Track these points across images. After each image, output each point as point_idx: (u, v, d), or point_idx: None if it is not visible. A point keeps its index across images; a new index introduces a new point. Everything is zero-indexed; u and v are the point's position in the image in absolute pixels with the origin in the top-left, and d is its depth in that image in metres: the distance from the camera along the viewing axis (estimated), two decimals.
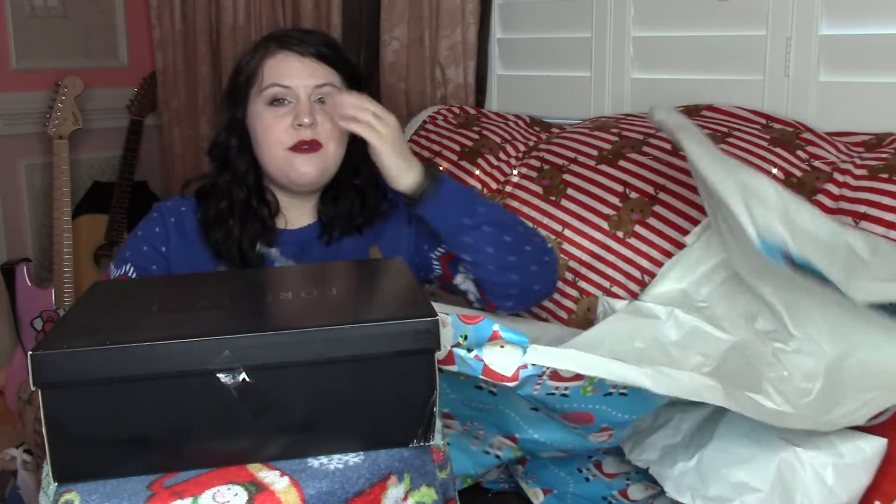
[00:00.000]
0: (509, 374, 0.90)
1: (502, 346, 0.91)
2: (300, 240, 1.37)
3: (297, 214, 1.39)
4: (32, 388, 0.74)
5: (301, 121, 1.28)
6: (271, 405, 0.78)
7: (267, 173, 1.35)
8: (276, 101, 1.30)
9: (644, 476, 1.21)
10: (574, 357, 0.92)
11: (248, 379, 0.77)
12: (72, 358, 0.74)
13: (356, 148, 1.35)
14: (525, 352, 0.90)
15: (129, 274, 1.33)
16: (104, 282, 0.98)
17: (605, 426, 1.07)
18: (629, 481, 1.25)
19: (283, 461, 0.78)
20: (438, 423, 0.84)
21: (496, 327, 0.90)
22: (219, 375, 0.77)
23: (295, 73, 1.31)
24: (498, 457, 1.19)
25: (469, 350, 0.89)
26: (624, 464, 1.22)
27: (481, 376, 0.91)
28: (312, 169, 1.30)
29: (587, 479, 1.27)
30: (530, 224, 1.32)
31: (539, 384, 0.94)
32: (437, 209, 1.25)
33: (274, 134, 1.30)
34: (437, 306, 0.84)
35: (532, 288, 1.31)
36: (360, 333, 0.79)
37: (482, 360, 0.90)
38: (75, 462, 0.76)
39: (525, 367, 0.90)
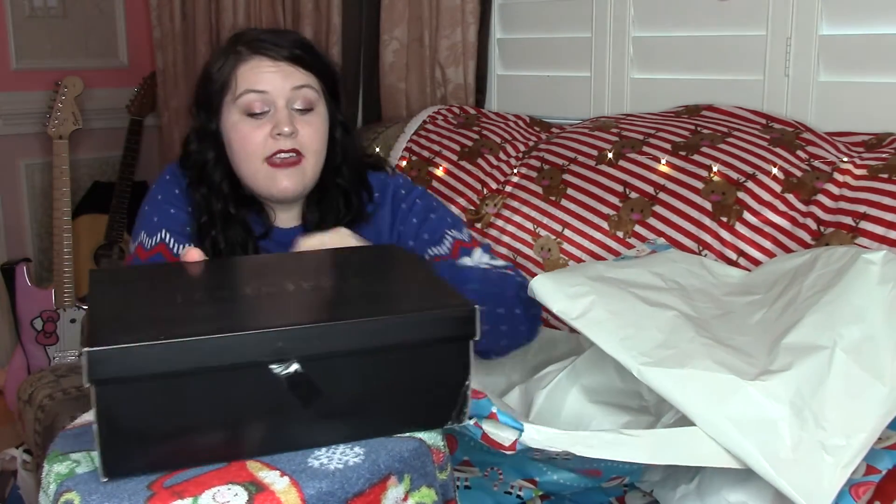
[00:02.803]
0: (507, 444, 0.92)
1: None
2: (287, 240, 1.32)
3: (283, 217, 1.35)
4: (85, 385, 0.73)
5: (281, 130, 1.23)
6: (319, 393, 0.80)
7: (245, 185, 1.30)
8: (253, 114, 1.25)
9: None
10: (571, 438, 0.92)
11: (299, 369, 0.78)
12: (129, 354, 0.74)
13: (335, 150, 1.33)
14: (521, 434, 0.92)
15: (166, 240, 1.27)
16: (100, 272, 0.97)
17: (615, 476, 1.10)
18: None
19: (283, 462, 0.78)
20: (467, 407, 0.87)
21: (494, 409, 0.91)
22: (271, 367, 0.77)
23: (270, 78, 1.25)
24: (520, 497, 1.20)
25: (469, 417, 0.90)
26: (647, 496, 1.21)
27: (481, 441, 0.93)
28: (292, 184, 1.26)
29: None
30: (517, 277, 1.28)
31: (538, 452, 0.95)
32: None
33: (251, 145, 1.25)
34: None
35: (519, 343, 1.26)
36: (407, 322, 0.82)
37: (481, 428, 0.92)
38: (127, 457, 0.76)
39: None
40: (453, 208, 1.74)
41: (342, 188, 1.35)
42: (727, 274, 1.31)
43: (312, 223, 1.34)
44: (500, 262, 1.32)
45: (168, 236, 1.28)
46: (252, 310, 0.85)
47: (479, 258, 1.32)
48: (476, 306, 0.84)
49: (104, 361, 0.73)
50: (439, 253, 1.34)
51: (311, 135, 1.27)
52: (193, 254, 0.99)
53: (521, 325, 1.22)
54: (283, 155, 1.25)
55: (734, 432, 0.92)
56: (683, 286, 1.22)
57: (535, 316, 1.24)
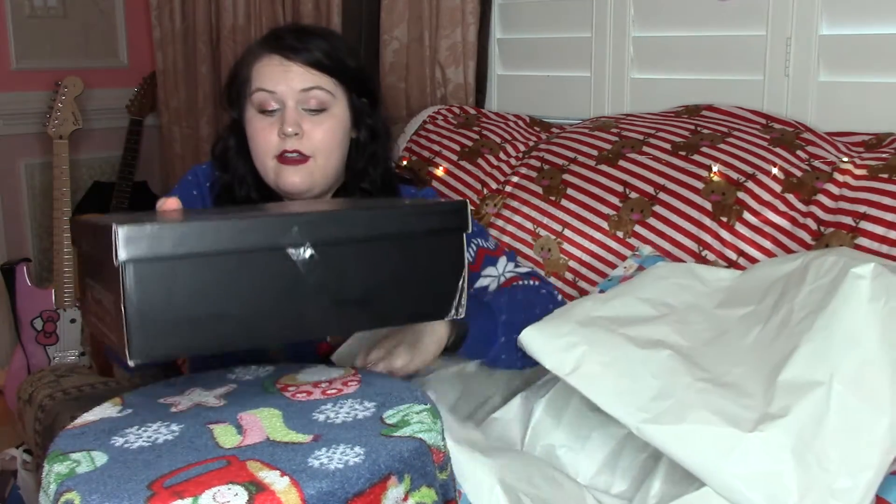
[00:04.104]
0: None
1: None
2: None
3: None
4: (116, 264, 0.77)
5: (285, 130, 1.25)
6: (331, 280, 0.87)
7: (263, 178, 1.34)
8: (264, 110, 1.28)
9: None
10: None
11: (314, 254, 0.85)
12: (158, 234, 0.79)
13: (359, 153, 1.33)
14: None
15: None
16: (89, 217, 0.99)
17: None
18: None
19: (283, 462, 0.78)
20: (465, 300, 0.96)
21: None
22: (288, 251, 0.85)
23: (280, 78, 1.27)
24: None
25: None
26: None
27: None
28: (299, 179, 1.27)
29: None
30: (542, 289, 1.32)
31: None
32: (467, 353, 1.24)
33: (262, 142, 1.28)
34: None
35: None
36: (405, 213, 0.93)
37: None
38: (151, 340, 0.80)
39: None
40: None
41: (368, 193, 1.35)
42: (718, 278, 1.29)
43: None
44: (523, 270, 1.36)
45: None
46: (268, 210, 0.94)
47: (503, 268, 1.34)
48: (466, 201, 0.95)
49: (134, 240, 0.78)
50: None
51: (321, 136, 1.27)
52: (171, 202, 0.99)
53: None
54: (288, 154, 1.27)
55: (742, 488, 0.92)
56: (674, 307, 1.21)
57: None
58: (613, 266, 1.52)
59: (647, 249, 1.48)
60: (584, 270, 1.55)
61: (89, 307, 0.92)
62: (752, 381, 1.03)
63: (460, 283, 0.94)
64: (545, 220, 1.62)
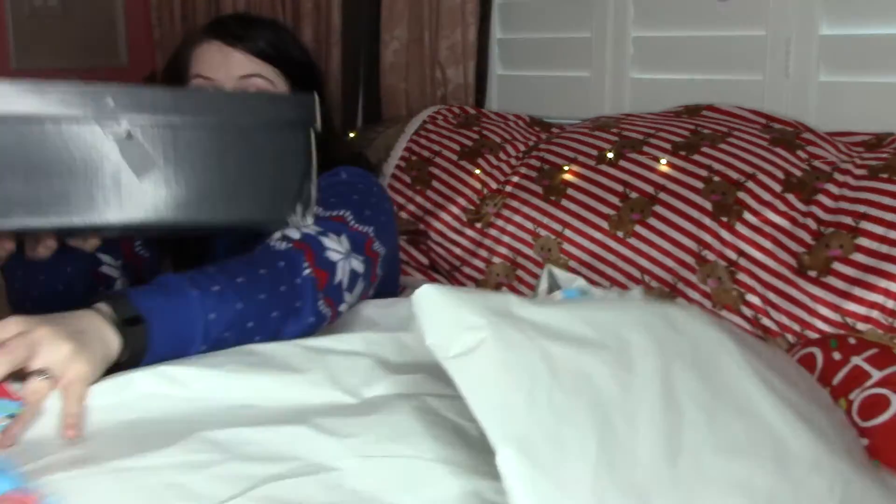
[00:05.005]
0: None
1: None
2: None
3: None
4: None
5: None
6: (153, 166, 0.76)
7: None
8: None
9: None
10: None
11: (131, 133, 0.75)
12: None
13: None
14: None
15: None
16: None
17: None
18: None
19: None
20: (312, 207, 0.84)
21: None
22: (101, 125, 0.74)
23: (217, 64, 1.23)
24: None
25: None
26: None
27: None
28: None
29: None
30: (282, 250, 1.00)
31: None
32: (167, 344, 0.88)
33: None
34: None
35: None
36: (246, 100, 0.82)
37: None
38: None
39: None
40: (453, 209, 1.74)
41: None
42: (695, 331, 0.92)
43: None
44: (304, 233, 1.05)
45: None
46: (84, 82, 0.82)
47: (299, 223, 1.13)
48: (314, 94, 0.83)
49: None
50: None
51: None
52: None
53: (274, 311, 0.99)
54: None
55: None
56: (627, 343, 0.84)
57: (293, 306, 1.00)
58: (613, 266, 1.52)
59: (577, 283, 1.13)
60: (584, 270, 1.55)
61: None
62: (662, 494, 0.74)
63: (306, 184, 0.82)
64: (545, 220, 1.62)
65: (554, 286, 1.11)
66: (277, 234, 1.01)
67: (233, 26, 1.27)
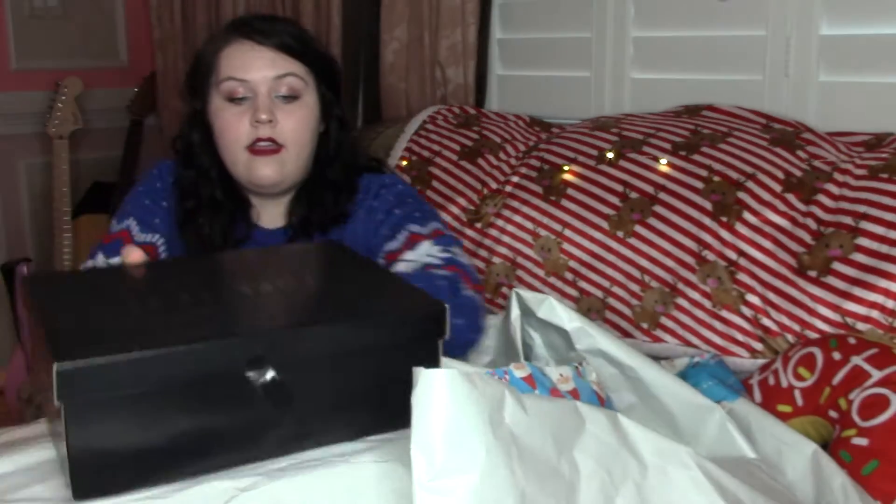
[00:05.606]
0: None
1: None
2: (269, 242, 1.32)
3: (269, 216, 1.33)
4: (57, 404, 0.69)
5: (258, 117, 1.21)
6: (294, 399, 0.78)
7: (230, 172, 1.29)
8: (234, 99, 1.23)
9: None
10: None
11: (276, 377, 0.75)
12: (102, 369, 0.69)
13: (328, 144, 1.31)
14: None
15: (130, 228, 1.26)
16: (36, 277, 0.94)
17: None
18: None
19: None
20: None
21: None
22: (247, 374, 0.75)
23: (252, 66, 1.23)
24: None
25: None
26: None
27: None
28: (272, 172, 1.24)
29: None
30: (443, 281, 1.15)
31: None
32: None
33: (232, 132, 1.23)
34: None
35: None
36: (380, 324, 0.82)
37: None
38: (99, 477, 0.72)
39: None
40: (453, 209, 1.74)
41: (332, 184, 1.31)
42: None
43: (298, 219, 1.31)
44: (444, 256, 1.22)
45: (134, 224, 1.27)
46: (216, 318, 0.82)
47: (424, 252, 1.24)
48: (445, 305, 0.83)
49: (78, 378, 0.69)
50: (391, 248, 1.27)
51: (293, 125, 1.24)
52: (135, 255, 0.96)
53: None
54: (261, 143, 1.23)
55: None
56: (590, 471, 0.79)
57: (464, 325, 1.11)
58: (613, 266, 1.52)
59: (546, 300, 1.12)
60: (584, 270, 1.55)
61: (38, 414, 0.79)
62: None
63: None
64: (545, 220, 1.62)
65: (527, 310, 1.12)
66: (424, 263, 1.19)
67: (258, 24, 1.26)
